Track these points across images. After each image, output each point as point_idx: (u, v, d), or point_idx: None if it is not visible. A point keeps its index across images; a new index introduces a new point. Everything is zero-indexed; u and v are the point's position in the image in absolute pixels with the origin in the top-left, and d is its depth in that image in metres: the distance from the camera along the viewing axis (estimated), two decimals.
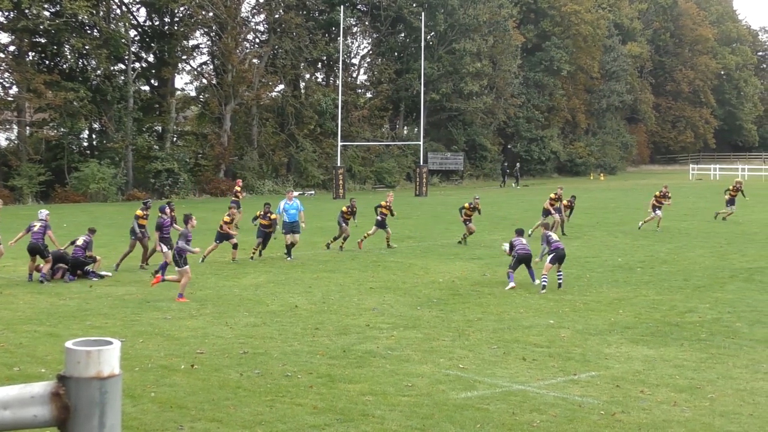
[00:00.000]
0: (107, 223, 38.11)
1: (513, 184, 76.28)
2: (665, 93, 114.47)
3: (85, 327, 16.36)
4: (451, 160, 79.32)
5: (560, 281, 20.87)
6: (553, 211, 32.67)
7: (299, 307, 18.47)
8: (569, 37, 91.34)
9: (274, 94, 72.42)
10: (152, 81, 66.72)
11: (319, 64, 76.89)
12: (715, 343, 14.91)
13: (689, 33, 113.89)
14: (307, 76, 75.69)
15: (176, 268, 19.59)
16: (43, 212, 23.26)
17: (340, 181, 60.15)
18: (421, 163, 66.70)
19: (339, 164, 62.09)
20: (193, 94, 71.37)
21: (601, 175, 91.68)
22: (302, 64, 72.22)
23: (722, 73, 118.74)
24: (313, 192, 64.49)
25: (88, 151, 61.53)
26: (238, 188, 41.01)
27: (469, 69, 77.11)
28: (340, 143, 62.89)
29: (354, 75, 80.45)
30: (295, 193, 60.91)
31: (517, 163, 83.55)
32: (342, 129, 64.29)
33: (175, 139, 66.36)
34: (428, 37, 76.78)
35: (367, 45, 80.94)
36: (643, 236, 32.75)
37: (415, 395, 11.67)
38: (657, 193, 35.06)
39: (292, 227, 27.16)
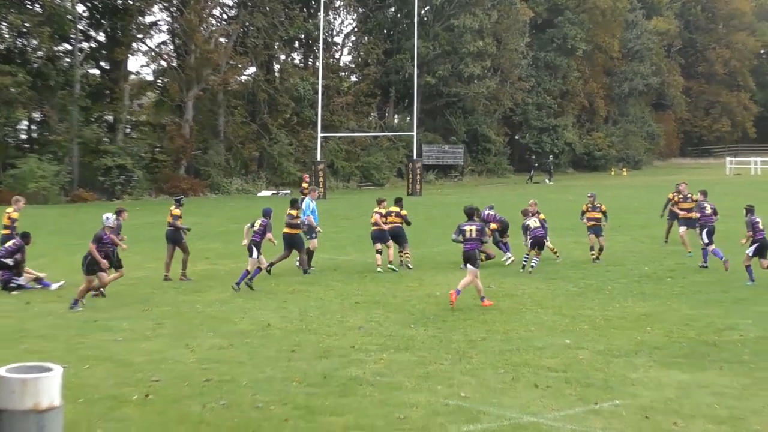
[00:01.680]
0: (50, 229, 37.90)
1: (546, 180, 76.38)
2: (697, 75, 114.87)
3: (21, 351, 16.19)
4: (450, 153, 79.39)
5: (534, 265, 26.00)
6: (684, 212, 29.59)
7: (272, 326, 18.36)
8: (585, 11, 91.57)
9: (243, 78, 72.43)
10: (102, 63, 66.58)
11: (296, 43, 76.89)
12: (760, 366, 14.83)
13: (723, 6, 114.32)
14: (282, 57, 75.71)
15: (470, 268, 20.72)
16: (110, 218, 22.43)
17: (321, 179, 60.06)
18: (415, 158, 66.77)
19: (319, 159, 62.05)
20: (149, 78, 71.27)
21: (624, 169, 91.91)
22: (277, 43, 72.19)
23: (762, 52, 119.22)
24: (288, 191, 64.35)
25: (27, 145, 61.26)
26: (305, 185, 41.76)
27: (470, 48, 77.18)
28: (320, 134, 62.84)
29: (336, 56, 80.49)
30: (268, 193, 60.45)
31: (550, 156, 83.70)
32: (322, 118, 64.24)
33: (128, 130, 66.19)
34: (422, 11, 76.90)
35: (351, 21, 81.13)
36: (675, 240, 32.69)
37: (409, 429, 11.57)
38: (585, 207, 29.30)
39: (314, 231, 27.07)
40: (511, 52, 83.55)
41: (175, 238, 25.39)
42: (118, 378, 14.26)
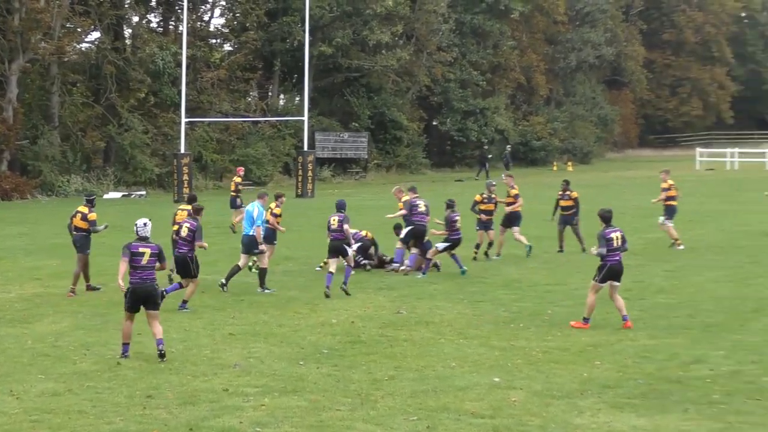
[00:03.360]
0: None
1: (503, 176, 76.92)
2: (662, 44, 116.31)
3: None
4: (350, 143, 79.44)
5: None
6: None
7: (123, 365, 18.27)
8: None
9: (84, 46, 71.57)
10: None
11: (153, 1, 76.25)
12: (734, 407, 15.18)
13: None
14: (135, 19, 74.97)
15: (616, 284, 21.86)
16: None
17: (185, 176, 59.67)
18: (306, 149, 66.59)
19: (183, 150, 61.64)
20: None
21: (569, 163, 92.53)
22: (128, 1, 71.50)
23: (743, 15, 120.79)
24: (144, 193, 63.88)
25: None
26: (239, 179, 42.36)
27: (377, 9, 77.14)
28: (184, 119, 62.45)
29: (205, 18, 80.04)
30: (118, 194, 59.95)
31: (508, 146, 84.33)
32: (187, 98, 63.87)
33: None
34: None
35: None
36: (629, 253, 33.18)
37: None
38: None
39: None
40: (428, 14, 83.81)
41: (84, 245, 26.17)
42: None
